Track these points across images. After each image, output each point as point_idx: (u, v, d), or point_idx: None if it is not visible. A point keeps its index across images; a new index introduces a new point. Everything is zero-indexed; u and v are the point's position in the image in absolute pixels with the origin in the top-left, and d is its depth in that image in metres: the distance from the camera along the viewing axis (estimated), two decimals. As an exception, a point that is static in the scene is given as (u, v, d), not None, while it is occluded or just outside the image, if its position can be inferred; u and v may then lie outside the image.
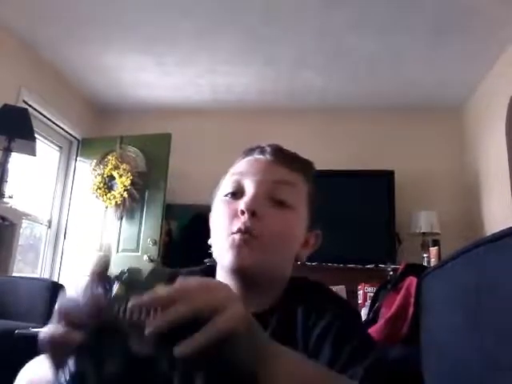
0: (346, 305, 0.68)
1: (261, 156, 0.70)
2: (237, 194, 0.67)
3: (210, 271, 0.71)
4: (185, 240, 3.87)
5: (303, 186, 0.70)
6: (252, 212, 0.63)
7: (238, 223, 0.64)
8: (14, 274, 3.00)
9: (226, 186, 0.69)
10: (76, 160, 4.16)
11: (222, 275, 0.67)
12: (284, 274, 0.70)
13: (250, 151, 0.72)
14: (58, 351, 0.41)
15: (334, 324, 0.61)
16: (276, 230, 0.64)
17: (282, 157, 0.69)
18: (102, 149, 4.03)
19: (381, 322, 0.96)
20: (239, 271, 0.64)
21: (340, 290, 1.99)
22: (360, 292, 2.07)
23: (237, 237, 0.63)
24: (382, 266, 3.26)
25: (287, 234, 0.67)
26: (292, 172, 0.69)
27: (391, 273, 2.94)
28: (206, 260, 2.52)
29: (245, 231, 0.63)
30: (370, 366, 0.55)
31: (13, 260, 2.88)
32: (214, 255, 0.68)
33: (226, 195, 0.68)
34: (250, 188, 0.66)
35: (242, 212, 0.63)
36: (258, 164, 0.69)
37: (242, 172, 0.68)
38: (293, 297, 0.67)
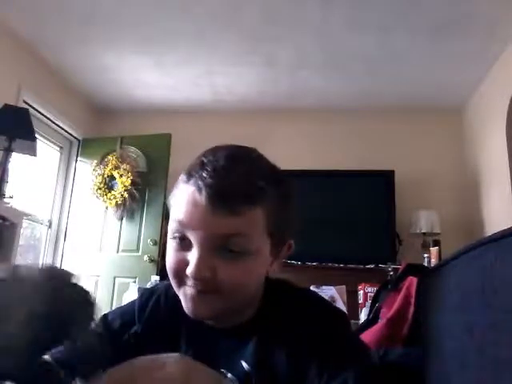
0: (329, 312, 0.65)
1: (197, 196, 0.56)
2: (184, 239, 0.59)
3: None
4: (185, 240, 3.86)
5: (257, 218, 0.57)
6: (201, 279, 0.56)
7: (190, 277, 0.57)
8: (15, 274, 2.99)
9: (172, 227, 0.60)
10: (76, 160, 4.17)
11: None
12: (257, 292, 0.65)
13: (189, 175, 0.59)
14: None
15: (319, 338, 0.58)
16: (233, 282, 0.57)
17: (223, 199, 0.55)
18: (102, 149, 4.04)
19: (381, 322, 0.96)
20: (199, 319, 0.61)
21: (340, 290, 1.99)
22: (360, 292, 2.07)
23: (190, 290, 0.57)
24: (383, 266, 3.26)
25: (248, 280, 0.59)
26: (238, 215, 0.56)
27: (392, 273, 2.94)
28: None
29: (198, 289, 0.57)
30: (361, 371, 0.54)
31: (13, 260, 2.88)
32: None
33: (174, 237, 0.60)
34: (194, 247, 0.57)
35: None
36: (195, 211, 0.56)
37: (182, 219, 0.58)
38: (272, 308, 0.64)
